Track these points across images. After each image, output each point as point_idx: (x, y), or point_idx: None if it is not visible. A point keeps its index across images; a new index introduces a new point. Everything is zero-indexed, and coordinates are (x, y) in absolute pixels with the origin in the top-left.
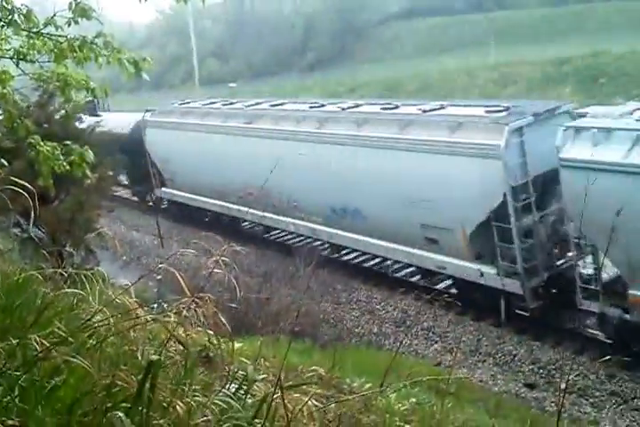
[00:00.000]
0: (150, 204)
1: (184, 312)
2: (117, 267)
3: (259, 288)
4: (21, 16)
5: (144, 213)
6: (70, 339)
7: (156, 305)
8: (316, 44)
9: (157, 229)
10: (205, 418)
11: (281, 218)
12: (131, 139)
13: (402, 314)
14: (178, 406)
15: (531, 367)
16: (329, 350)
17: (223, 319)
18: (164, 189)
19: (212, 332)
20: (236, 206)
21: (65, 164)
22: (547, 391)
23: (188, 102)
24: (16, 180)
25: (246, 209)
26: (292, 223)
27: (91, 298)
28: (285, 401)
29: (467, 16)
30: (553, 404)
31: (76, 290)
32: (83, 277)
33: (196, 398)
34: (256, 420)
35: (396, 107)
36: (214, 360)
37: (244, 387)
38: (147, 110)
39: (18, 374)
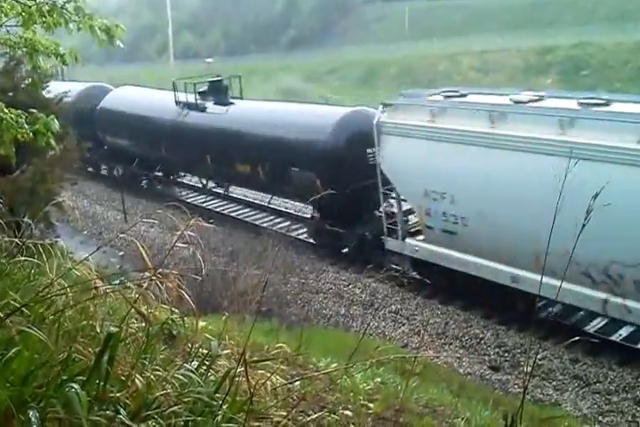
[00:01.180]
0: (345, 251)
1: (145, 285)
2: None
3: (225, 267)
4: None
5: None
6: (25, 310)
7: (118, 282)
8: (297, 20)
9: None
10: (165, 392)
11: None
12: (330, 148)
13: (370, 297)
14: (137, 380)
15: (496, 351)
16: (296, 331)
17: (187, 296)
18: (410, 241)
19: (176, 309)
20: None
21: (29, 132)
22: (511, 374)
23: (465, 95)
24: None
25: None
26: None
27: (48, 270)
28: (249, 377)
29: (453, 1)
30: (516, 386)
31: (32, 259)
32: (41, 248)
33: (157, 372)
34: (218, 395)
35: None
36: (178, 337)
37: (207, 363)
38: (384, 105)
39: None
